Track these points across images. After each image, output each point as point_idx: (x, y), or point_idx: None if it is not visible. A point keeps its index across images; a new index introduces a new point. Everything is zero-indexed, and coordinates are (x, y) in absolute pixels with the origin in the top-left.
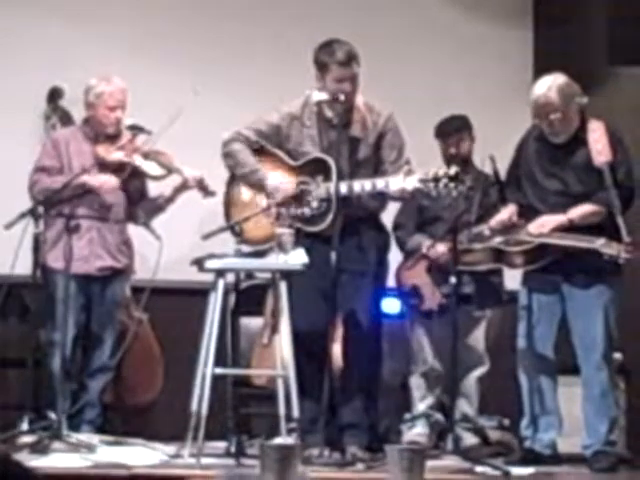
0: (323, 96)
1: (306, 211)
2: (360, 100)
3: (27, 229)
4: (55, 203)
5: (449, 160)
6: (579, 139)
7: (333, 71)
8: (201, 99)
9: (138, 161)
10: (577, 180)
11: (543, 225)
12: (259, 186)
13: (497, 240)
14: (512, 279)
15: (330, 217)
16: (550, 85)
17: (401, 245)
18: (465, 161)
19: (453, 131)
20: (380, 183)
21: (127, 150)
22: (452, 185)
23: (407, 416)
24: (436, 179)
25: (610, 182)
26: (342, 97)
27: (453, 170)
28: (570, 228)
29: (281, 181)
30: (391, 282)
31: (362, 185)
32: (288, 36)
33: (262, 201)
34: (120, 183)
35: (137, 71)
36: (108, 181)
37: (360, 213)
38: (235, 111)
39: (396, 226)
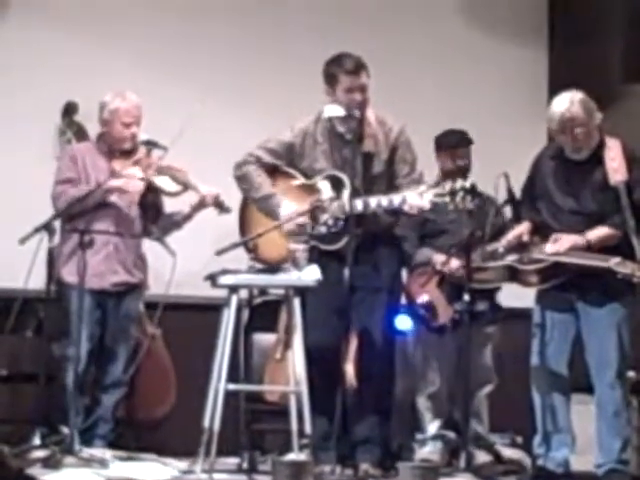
0: (337, 111)
1: (322, 229)
2: (371, 114)
3: (41, 244)
4: (77, 215)
5: (446, 174)
6: (596, 157)
7: (342, 81)
8: (216, 116)
9: (153, 177)
10: (592, 199)
11: (560, 243)
12: (271, 213)
13: (511, 258)
14: (513, 297)
15: (346, 237)
16: (572, 100)
17: (406, 259)
18: (463, 175)
19: (452, 145)
20: (397, 199)
21: (142, 166)
22: (469, 198)
23: (419, 437)
24: (452, 192)
25: (626, 201)
26: (357, 113)
27: (469, 182)
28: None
29: (293, 212)
30: (402, 298)
31: (378, 201)
32: (299, 50)
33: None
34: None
35: (149, 85)
36: (133, 182)
37: (375, 229)
38: (251, 127)
39: (400, 239)
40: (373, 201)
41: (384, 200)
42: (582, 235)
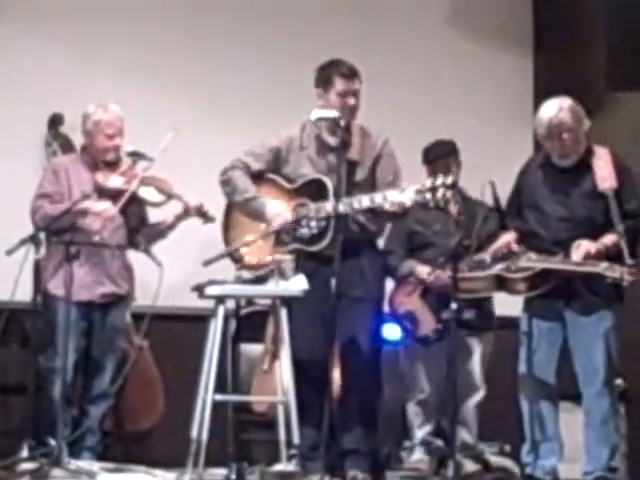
0: (329, 112)
1: (305, 232)
2: (357, 123)
3: (28, 255)
4: (56, 231)
5: None
6: (585, 164)
7: (337, 85)
8: (200, 125)
9: (137, 188)
10: (582, 206)
11: (583, 248)
12: (258, 213)
13: (498, 267)
14: (502, 305)
15: (329, 235)
16: (560, 106)
17: (392, 271)
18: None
19: (439, 157)
20: (378, 197)
21: (127, 177)
22: (449, 194)
23: (407, 444)
24: (433, 189)
25: (615, 208)
26: (343, 122)
27: (450, 179)
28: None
29: (280, 209)
30: (385, 308)
31: (360, 201)
32: (286, 59)
33: (261, 225)
34: (119, 210)
35: (135, 97)
36: (109, 209)
37: (359, 236)
38: (235, 137)
39: (387, 252)
40: (355, 201)
41: (366, 200)
42: (598, 241)
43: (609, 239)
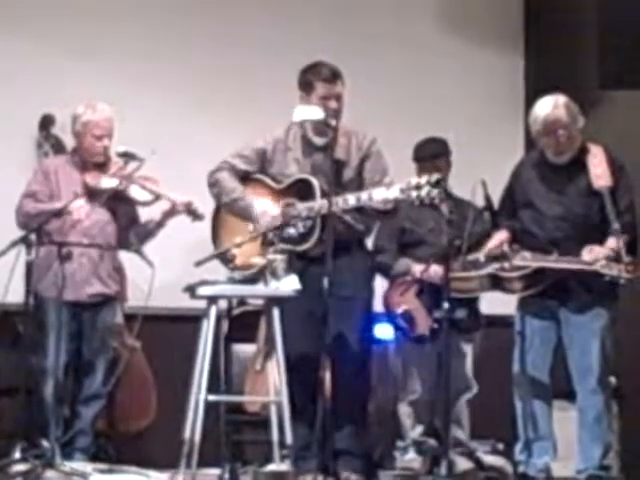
0: (315, 113)
1: (292, 232)
2: (343, 125)
3: (19, 257)
4: (38, 229)
5: None
6: (580, 162)
7: (318, 89)
8: (190, 124)
9: (125, 187)
10: (577, 204)
11: (595, 252)
12: (246, 213)
13: (493, 266)
14: (493, 304)
15: (316, 235)
16: (556, 103)
17: (385, 269)
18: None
19: (430, 156)
20: (364, 196)
21: (115, 177)
22: (434, 192)
23: (400, 444)
24: (418, 187)
25: (610, 206)
26: (333, 122)
27: (434, 177)
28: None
29: (267, 208)
30: (379, 308)
31: (346, 200)
32: (274, 59)
33: (250, 225)
34: (108, 209)
35: (128, 99)
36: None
37: (346, 236)
38: (224, 137)
39: (378, 250)
40: (341, 200)
41: (352, 198)
42: (605, 247)
43: (613, 243)
